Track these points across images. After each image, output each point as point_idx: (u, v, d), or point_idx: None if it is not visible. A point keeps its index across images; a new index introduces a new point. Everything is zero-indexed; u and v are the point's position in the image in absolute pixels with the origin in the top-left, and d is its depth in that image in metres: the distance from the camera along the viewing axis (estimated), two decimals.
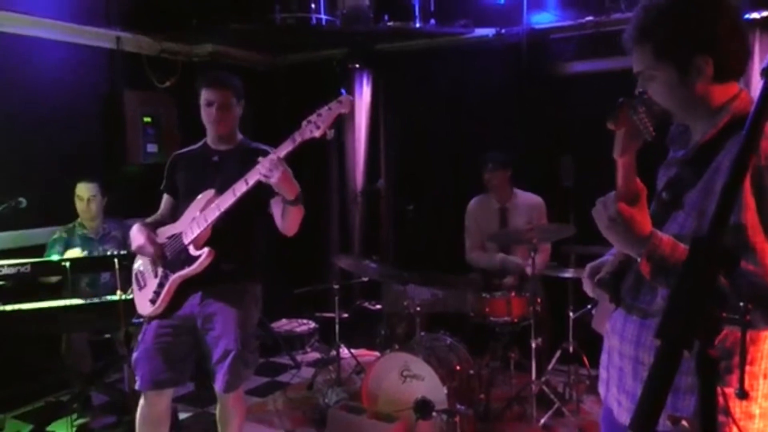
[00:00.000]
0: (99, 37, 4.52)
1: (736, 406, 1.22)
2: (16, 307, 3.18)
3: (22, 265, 3.13)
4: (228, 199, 2.43)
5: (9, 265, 3.09)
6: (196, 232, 2.49)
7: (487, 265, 4.16)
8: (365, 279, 4.44)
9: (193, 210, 2.56)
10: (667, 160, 1.50)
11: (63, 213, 3.90)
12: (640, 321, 1.41)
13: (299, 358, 4.87)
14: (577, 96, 4.43)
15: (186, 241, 2.52)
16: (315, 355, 5.02)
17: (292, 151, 2.37)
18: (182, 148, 2.83)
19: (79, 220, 3.86)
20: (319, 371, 4.44)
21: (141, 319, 2.71)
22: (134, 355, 2.63)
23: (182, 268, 2.52)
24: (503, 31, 4.68)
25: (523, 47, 4.61)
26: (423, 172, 5.17)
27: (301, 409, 3.94)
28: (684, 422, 0.95)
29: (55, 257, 3.53)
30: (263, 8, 4.60)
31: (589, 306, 3.71)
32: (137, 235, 2.60)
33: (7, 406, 3.85)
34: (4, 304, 3.15)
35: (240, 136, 2.74)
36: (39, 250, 3.76)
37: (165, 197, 2.80)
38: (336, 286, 4.23)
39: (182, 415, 3.68)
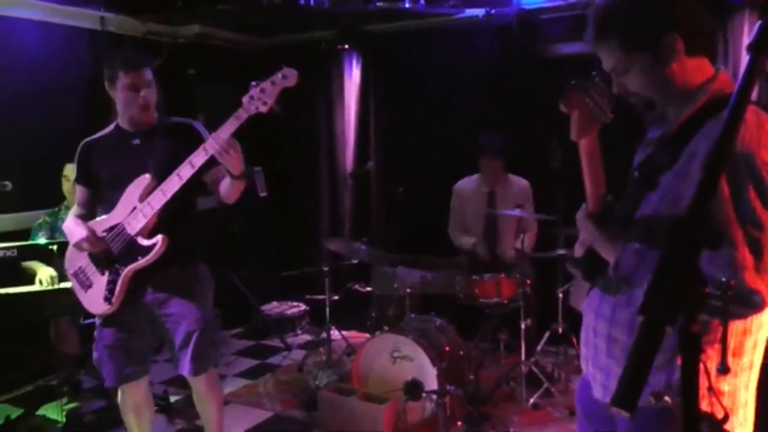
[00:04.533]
0: (82, 18, 4.44)
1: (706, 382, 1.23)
2: (3, 291, 3.15)
3: (9, 248, 3.09)
4: (174, 185, 2.37)
5: None
6: (142, 222, 2.42)
7: (464, 246, 4.22)
8: (355, 261, 4.44)
9: (128, 199, 2.47)
10: (644, 140, 1.50)
11: (49, 196, 3.85)
12: (614, 299, 1.42)
13: (290, 340, 4.87)
14: (566, 77, 4.39)
15: (132, 232, 2.44)
16: (305, 338, 5.03)
17: (238, 128, 2.32)
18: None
19: (65, 203, 3.82)
20: (310, 353, 4.45)
21: (93, 320, 2.65)
22: (95, 354, 2.61)
23: (135, 259, 2.43)
24: (493, 11, 4.65)
25: (513, 28, 4.58)
26: (413, 154, 5.16)
27: (291, 392, 3.95)
28: (667, 398, 0.96)
29: (42, 240, 3.50)
30: None
31: (567, 285, 3.75)
32: (77, 229, 2.50)
33: None
34: None
35: (155, 113, 2.62)
36: (26, 233, 3.73)
37: (80, 189, 2.68)
38: (326, 269, 4.22)
39: (173, 398, 3.68)
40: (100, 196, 2.65)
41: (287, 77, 2.28)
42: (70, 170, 3.76)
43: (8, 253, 3.11)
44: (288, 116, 5.51)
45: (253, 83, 2.28)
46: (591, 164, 1.49)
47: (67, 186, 3.77)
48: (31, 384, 3.95)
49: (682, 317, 0.80)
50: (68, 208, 3.80)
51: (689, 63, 1.34)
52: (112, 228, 2.50)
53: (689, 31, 1.32)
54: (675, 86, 1.35)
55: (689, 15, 1.32)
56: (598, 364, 1.47)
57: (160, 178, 2.42)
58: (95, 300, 2.53)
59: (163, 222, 2.45)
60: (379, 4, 4.64)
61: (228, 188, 2.49)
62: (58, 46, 4.34)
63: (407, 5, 4.63)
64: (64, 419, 3.36)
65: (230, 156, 2.32)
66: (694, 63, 1.35)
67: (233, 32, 5.44)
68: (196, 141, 2.41)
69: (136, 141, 2.56)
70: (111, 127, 2.65)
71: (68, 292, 3.17)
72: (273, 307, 5.28)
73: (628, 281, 1.35)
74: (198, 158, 2.34)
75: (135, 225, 2.44)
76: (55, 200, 3.84)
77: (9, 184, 3.42)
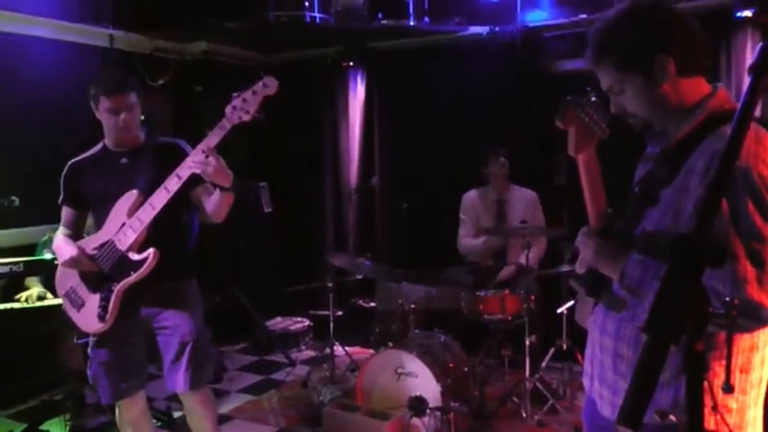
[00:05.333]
0: (91, 36, 4.50)
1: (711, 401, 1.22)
2: (9, 306, 3.17)
3: (15, 263, 3.11)
4: (162, 197, 2.38)
5: (1, 264, 3.08)
6: (133, 236, 2.42)
7: (474, 249, 4.21)
8: (359, 277, 4.44)
9: (117, 216, 2.48)
10: (645, 155, 1.51)
11: (57, 212, 3.87)
12: (619, 315, 1.42)
13: (294, 356, 4.86)
14: (570, 94, 4.43)
15: (123, 247, 2.44)
16: (309, 353, 5.02)
17: (222, 139, 2.32)
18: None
19: None
20: (314, 369, 4.44)
21: (87, 339, 2.64)
22: (90, 372, 2.60)
23: (127, 275, 2.43)
24: (497, 29, 4.68)
25: (516, 45, 4.61)
26: (417, 169, 5.18)
27: (295, 407, 3.94)
28: (672, 417, 0.96)
29: (48, 256, 3.51)
30: (257, 6, 4.59)
31: (570, 302, 3.74)
32: (67, 248, 2.49)
33: (1, 405, 3.83)
34: None
35: (143, 134, 2.64)
36: (33, 248, 3.74)
37: (66, 210, 2.69)
38: (330, 284, 4.22)
39: (176, 414, 3.67)
40: (86, 217, 2.67)
41: (268, 86, 2.30)
42: None
43: (15, 268, 3.13)
44: (293, 132, 5.55)
45: (235, 93, 2.30)
46: (590, 179, 1.50)
47: None
48: (35, 399, 3.95)
49: (686, 336, 0.80)
50: None
51: (684, 83, 1.35)
52: (102, 246, 2.50)
53: (682, 53, 1.33)
54: (670, 105, 1.36)
55: (682, 37, 1.34)
56: (605, 381, 1.47)
57: (147, 193, 2.43)
58: (89, 319, 2.52)
59: (153, 236, 2.45)
60: (384, 21, 4.68)
61: (217, 203, 2.47)
62: (67, 63, 4.38)
63: (412, 23, 4.68)
64: None
65: (213, 166, 2.30)
66: (689, 83, 1.36)
67: (240, 49, 5.50)
68: (183, 159, 2.41)
69: (124, 160, 2.58)
70: (98, 147, 2.66)
71: None
72: (277, 323, 5.28)
73: (635, 292, 1.35)
74: (184, 170, 2.35)
75: (125, 241, 2.44)
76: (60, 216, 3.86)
77: (17, 200, 3.45)
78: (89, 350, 2.62)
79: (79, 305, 2.55)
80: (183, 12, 4.68)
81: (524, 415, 3.58)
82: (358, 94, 5.43)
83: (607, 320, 1.46)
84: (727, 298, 0.84)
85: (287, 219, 5.53)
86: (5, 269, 3.08)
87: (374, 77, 5.38)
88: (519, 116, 4.65)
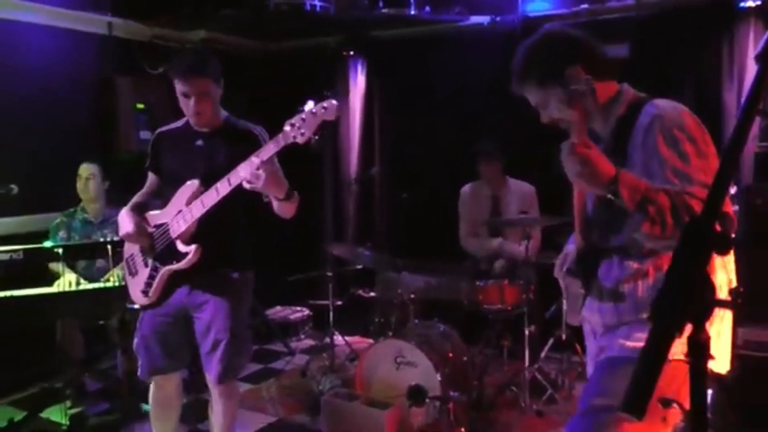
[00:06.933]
0: (90, 23, 4.47)
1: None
2: (9, 293, 3.16)
3: (15, 251, 3.11)
4: (212, 197, 2.38)
5: (1, 252, 3.08)
6: (183, 227, 2.45)
7: (481, 251, 4.19)
8: (359, 266, 4.44)
9: (178, 201, 2.50)
10: None
11: (55, 199, 3.88)
12: (612, 304, 1.60)
13: (293, 345, 4.88)
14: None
15: (173, 234, 2.48)
16: (309, 342, 5.03)
17: (275, 154, 2.28)
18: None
19: (81, 204, 3.87)
20: (313, 358, 4.45)
21: (136, 306, 2.72)
22: (134, 341, 2.67)
23: (171, 262, 2.48)
24: (498, 18, 4.67)
25: (517, 35, 4.59)
26: (417, 159, 5.16)
27: (294, 396, 3.95)
28: (675, 405, 0.96)
29: (48, 243, 3.51)
30: None
31: (553, 307, 3.76)
32: (126, 222, 2.54)
33: (1, 393, 3.84)
34: None
35: (224, 115, 2.60)
36: (32, 236, 3.73)
37: (150, 175, 2.72)
38: (330, 274, 4.23)
39: None
40: (164, 191, 2.66)
41: (326, 109, 2.19)
42: (82, 168, 3.83)
43: (15, 256, 3.12)
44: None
45: (300, 108, 2.22)
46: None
47: (79, 185, 3.83)
48: (35, 387, 3.96)
49: (691, 324, 0.80)
50: (83, 209, 3.87)
51: (597, 86, 1.59)
52: (160, 226, 2.55)
53: (588, 63, 1.59)
54: (589, 107, 1.58)
55: (586, 51, 1.61)
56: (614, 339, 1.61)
57: (208, 184, 2.42)
58: (137, 290, 2.61)
59: (204, 228, 2.47)
60: (384, 10, 4.66)
61: (277, 208, 2.51)
62: (66, 50, 4.36)
63: (413, 12, 4.65)
64: (67, 422, 3.36)
65: (263, 180, 2.24)
66: (601, 86, 1.61)
67: (239, 37, 5.46)
68: (253, 149, 2.38)
69: (199, 142, 2.56)
70: (183, 120, 2.64)
71: (75, 295, 3.21)
72: (277, 312, 5.29)
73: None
74: (234, 177, 2.32)
75: (177, 228, 2.47)
76: (62, 203, 3.86)
77: (15, 188, 3.45)
78: (138, 321, 2.68)
79: (134, 273, 2.63)
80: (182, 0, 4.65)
81: (523, 404, 3.59)
82: (358, 83, 5.41)
83: (603, 307, 1.62)
84: (733, 286, 0.84)
85: None
86: (5, 257, 3.08)
87: (375, 67, 5.36)
88: (519, 106, 4.62)
